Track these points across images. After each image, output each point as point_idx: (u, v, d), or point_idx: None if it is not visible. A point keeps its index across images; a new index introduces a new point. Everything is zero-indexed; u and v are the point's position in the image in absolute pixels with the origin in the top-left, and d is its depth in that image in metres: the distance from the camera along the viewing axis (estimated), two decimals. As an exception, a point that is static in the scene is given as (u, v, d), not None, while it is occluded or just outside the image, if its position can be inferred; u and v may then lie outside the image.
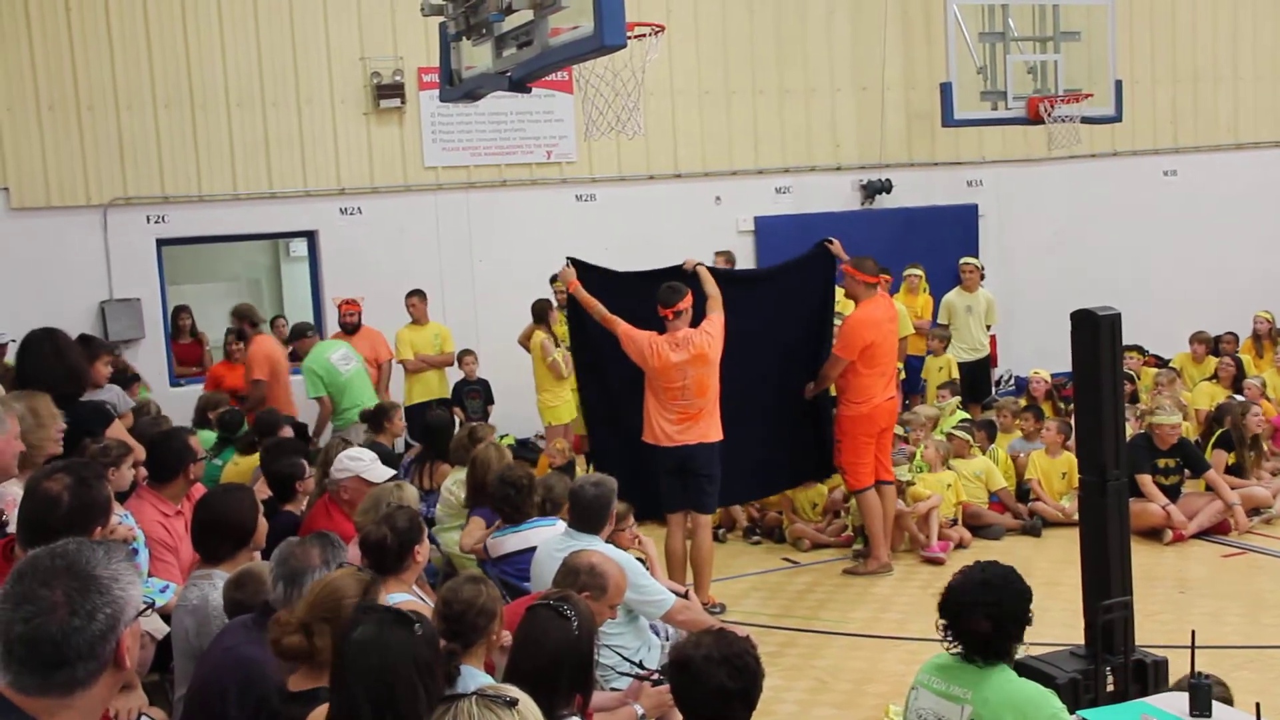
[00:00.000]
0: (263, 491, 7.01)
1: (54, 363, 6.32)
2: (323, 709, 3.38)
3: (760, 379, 8.44)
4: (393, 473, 6.36)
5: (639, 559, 5.88)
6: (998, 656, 3.99)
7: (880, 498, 8.63)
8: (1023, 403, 11.04)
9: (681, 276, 7.91)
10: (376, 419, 9.24)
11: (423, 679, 3.06)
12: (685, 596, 6.17)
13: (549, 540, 5.75)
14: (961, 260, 12.72)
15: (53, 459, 5.12)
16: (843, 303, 9.30)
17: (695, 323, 7.68)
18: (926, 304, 12.68)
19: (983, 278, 13.02)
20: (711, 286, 7.88)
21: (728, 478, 7.99)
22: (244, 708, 3.76)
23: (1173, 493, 9.19)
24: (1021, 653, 4.41)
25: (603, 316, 7.66)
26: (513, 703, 2.75)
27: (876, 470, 8.62)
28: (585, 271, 7.95)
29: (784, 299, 8.60)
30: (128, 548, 2.32)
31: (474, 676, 3.90)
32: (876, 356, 8.44)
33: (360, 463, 6.25)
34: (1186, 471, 9.38)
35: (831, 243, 8.72)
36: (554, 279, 10.13)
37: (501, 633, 4.14)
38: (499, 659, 4.15)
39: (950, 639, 4.06)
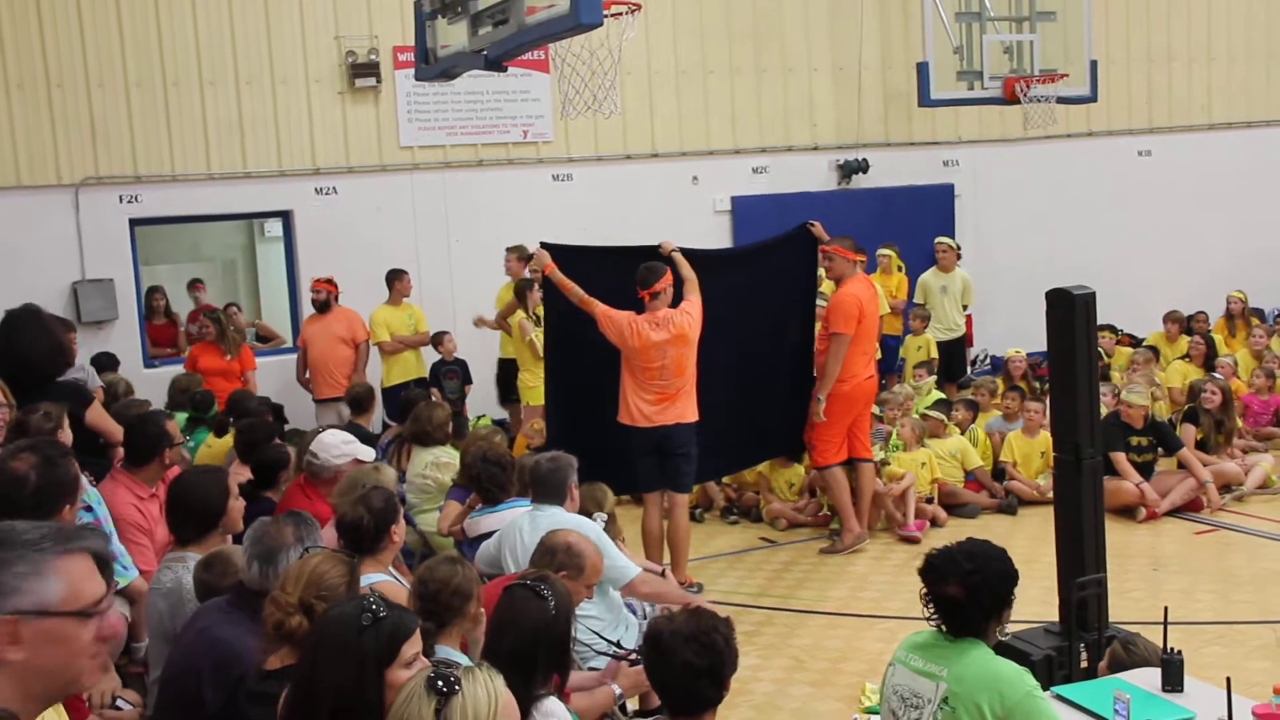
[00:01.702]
0: (241, 474, 6.99)
1: (42, 340, 6.28)
2: None
3: (740, 357, 8.45)
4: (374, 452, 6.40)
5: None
6: (968, 629, 4.00)
7: (859, 475, 8.68)
8: (1000, 382, 11.09)
9: (657, 258, 7.89)
10: (362, 402, 9.23)
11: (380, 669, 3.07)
12: (662, 575, 6.19)
13: (517, 516, 5.78)
14: (936, 239, 12.73)
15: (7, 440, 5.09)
16: (825, 284, 9.32)
17: (673, 304, 7.67)
18: (901, 283, 12.70)
19: (959, 257, 13.05)
20: (687, 270, 7.87)
21: (705, 454, 8.00)
22: (219, 689, 3.75)
23: (1146, 470, 9.26)
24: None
25: (580, 298, 7.63)
26: (450, 692, 2.76)
27: (854, 447, 8.66)
28: (559, 254, 7.90)
29: (764, 278, 8.60)
30: (52, 528, 2.22)
31: (449, 656, 3.89)
32: (860, 333, 8.48)
33: (353, 445, 6.30)
34: (1160, 450, 9.45)
35: (813, 225, 8.74)
36: (529, 257, 10.11)
37: (479, 611, 4.14)
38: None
39: (927, 603, 4.06)
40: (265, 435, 7.29)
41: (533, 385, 10.55)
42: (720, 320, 7.95)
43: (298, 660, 3.21)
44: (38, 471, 4.20)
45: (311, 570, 3.63)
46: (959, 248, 12.86)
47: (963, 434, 9.93)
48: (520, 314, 10.63)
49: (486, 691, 2.81)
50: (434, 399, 9.51)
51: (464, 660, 3.86)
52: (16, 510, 3.96)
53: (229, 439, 8.10)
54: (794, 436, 8.87)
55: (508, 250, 11.13)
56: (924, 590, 4.09)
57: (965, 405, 10.30)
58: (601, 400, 7.79)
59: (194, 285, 13.56)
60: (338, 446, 6.26)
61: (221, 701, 3.72)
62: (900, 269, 12.78)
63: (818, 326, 8.82)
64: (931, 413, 9.88)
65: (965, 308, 12.63)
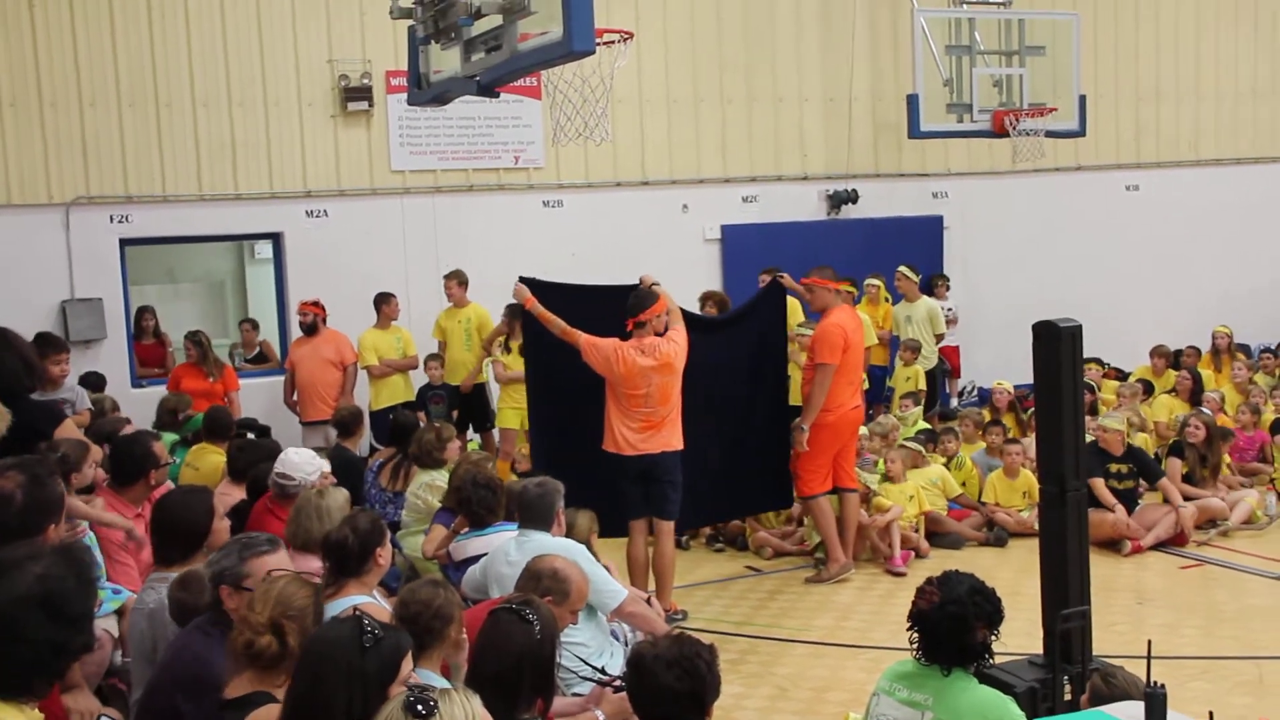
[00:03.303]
0: (230, 493, 6.97)
1: (10, 357, 6.25)
2: (262, 712, 3.36)
3: (723, 408, 8.41)
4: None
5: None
6: (976, 660, 4.05)
7: (844, 505, 8.67)
8: (986, 413, 11.11)
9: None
10: (349, 425, 9.21)
11: (369, 688, 3.08)
12: (648, 603, 6.18)
13: (504, 543, 5.77)
14: (897, 269, 12.72)
15: None
16: (793, 312, 9.33)
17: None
18: (888, 314, 12.74)
19: (947, 288, 13.12)
20: (670, 302, 7.87)
21: (693, 501, 7.97)
22: (196, 703, 3.73)
23: (1128, 499, 9.28)
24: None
25: (562, 329, 7.57)
26: (427, 714, 2.77)
27: (840, 477, 8.66)
28: (539, 289, 7.84)
29: (743, 334, 8.62)
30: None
31: (429, 679, 3.89)
32: (846, 363, 8.49)
33: (318, 461, 6.31)
34: (1141, 479, 9.48)
35: (782, 276, 8.80)
36: (467, 282, 10.22)
37: (462, 637, 4.13)
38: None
39: (920, 652, 4.07)
40: (265, 455, 7.22)
41: (501, 408, 10.67)
42: (703, 374, 7.95)
43: (292, 683, 3.20)
44: (24, 490, 4.18)
45: (279, 591, 3.62)
46: (922, 277, 12.83)
47: (948, 464, 9.95)
48: (500, 338, 10.79)
49: (464, 712, 2.83)
50: (421, 423, 9.50)
51: (443, 684, 3.86)
52: (2, 529, 3.95)
53: (219, 458, 8.06)
54: (778, 490, 8.84)
55: (446, 277, 11.20)
56: (910, 624, 4.11)
57: (952, 436, 10.32)
58: (585, 435, 7.74)
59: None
60: (308, 464, 6.24)
61: (198, 717, 3.71)
62: (887, 300, 12.82)
63: (803, 358, 8.84)
64: (909, 444, 9.89)
65: (940, 338, 12.63)
